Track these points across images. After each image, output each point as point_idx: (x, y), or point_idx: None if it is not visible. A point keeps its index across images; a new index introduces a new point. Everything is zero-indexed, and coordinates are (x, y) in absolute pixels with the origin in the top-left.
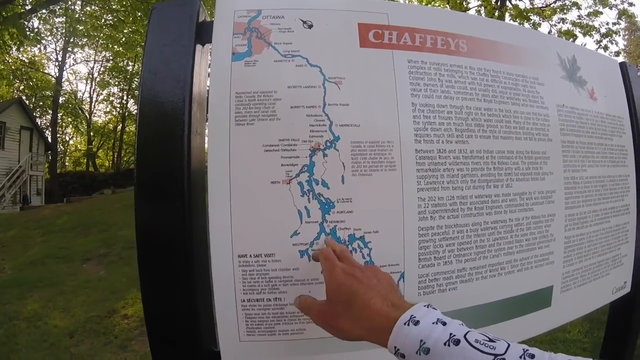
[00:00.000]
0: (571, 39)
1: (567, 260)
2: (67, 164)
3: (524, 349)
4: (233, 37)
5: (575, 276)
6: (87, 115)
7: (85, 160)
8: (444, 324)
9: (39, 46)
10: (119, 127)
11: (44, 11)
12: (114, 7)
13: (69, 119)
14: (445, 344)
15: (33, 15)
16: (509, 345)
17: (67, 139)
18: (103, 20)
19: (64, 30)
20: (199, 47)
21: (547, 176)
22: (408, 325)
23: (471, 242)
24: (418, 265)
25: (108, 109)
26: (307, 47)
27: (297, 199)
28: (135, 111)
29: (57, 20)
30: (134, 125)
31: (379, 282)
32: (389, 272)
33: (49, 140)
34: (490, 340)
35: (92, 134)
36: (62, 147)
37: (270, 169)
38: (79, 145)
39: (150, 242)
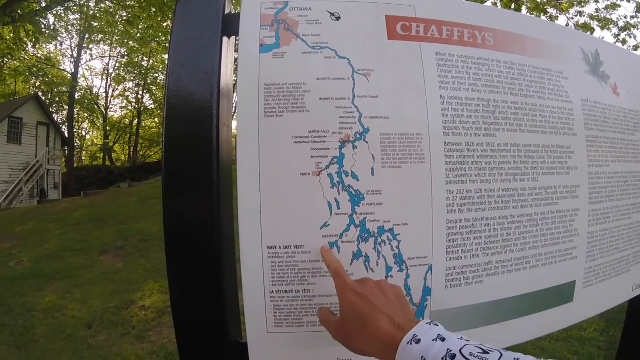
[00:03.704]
0: (589, 32)
1: (589, 255)
2: (83, 158)
3: (514, 358)
4: (260, 29)
5: (597, 272)
6: (103, 111)
7: (101, 154)
8: (443, 339)
9: (54, 43)
10: (135, 122)
11: (59, 8)
12: (128, 3)
13: (85, 114)
14: (442, 358)
15: (48, 12)
16: (501, 355)
17: (84, 133)
18: (118, 16)
19: (79, 27)
20: (225, 39)
21: (572, 171)
22: (411, 344)
23: (498, 235)
24: (446, 258)
25: (124, 104)
26: (336, 39)
27: (327, 191)
28: (151, 106)
29: (72, 17)
30: (151, 120)
31: (387, 300)
32: (418, 264)
33: (66, 135)
34: (485, 352)
35: (108, 128)
36: (78, 142)
37: (300, 161)
38: (95, 140)
39: (179, 233)
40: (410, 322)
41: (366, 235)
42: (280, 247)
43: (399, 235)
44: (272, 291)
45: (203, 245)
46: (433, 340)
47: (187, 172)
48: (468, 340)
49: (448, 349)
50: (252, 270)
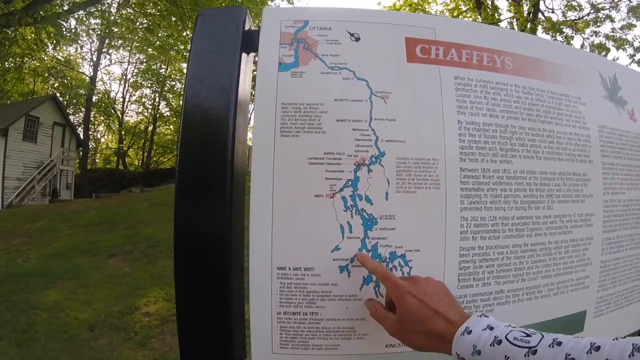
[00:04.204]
0: (604, 53)
1: (601, 284)
2: (97, 160)
3: (553, 338)
4: (280, 47)
5: (609, 301)
6: (119, 115)
7: (115, 158)
8: (492, 328)
9: (74, 46)
10: (150, 128)
11: (81, 12)
12: (149, 11)
13: (102, 118)
14: (491, 344)
15: (70, 15)
16: (542, 337)
17: (99, 136)
18: (138, 23)
19: (99, 32)
20: (244, 55)
21: (587, 198)
22: (463, 335)
23: (510, 264)
24: (457, 286)
25: (140, 110)
26: (354, 60)
27: (340, 214)
28: (167, 113)
29: (93, 21)
30: (166, 127)
31: (439, 298)
32: None
33: (81, 136)
34: (527, 336)
35: (123, 133)
36: (93, 144)
37: (314, 182)
38: (110, 144)
39: (189, 248)
40: (462, 318)
41: (377, 260)
42: (290, 269)
43: (411, 261)
44: (280, 312)
45: (213, 262)
46: (483, 329)
47: (201, 187)
48: (514, 327)
49: (495, 336)
50: (260, 290)
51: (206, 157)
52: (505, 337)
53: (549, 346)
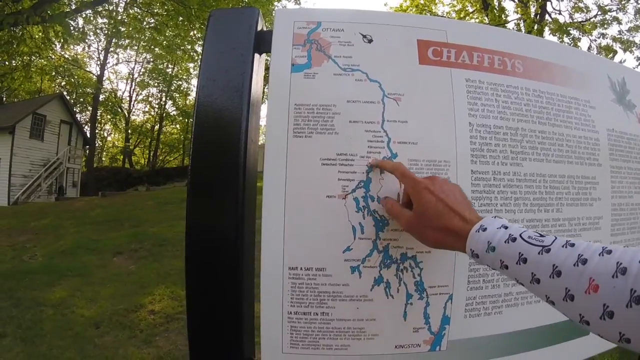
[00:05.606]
0: (611, 55)
1: None
2: (103, 159)
3: (566, 240)
4: (293, 48)
5: None
6: (126, 114)
7: (121, 156)
8: (506, 227)
9: (82, 45)
10: (157, 127)
11: (88, 11)
12: (156, 11)
13: (108, 116)
14: (505, 242)
15: (78, 14)
16: (555, 238)
17: (105, 135)
18: (145, 23)
19: (107, 31)
20: (256, 56)
21: (595, 202)
22: (478, 232)
23: None
24: (466, 288)
25: (147, 109)
26: (367, 61)
27: (352, 215)
28: (173, 112)
29: (100, 21)
30: (172, 126)
31: (456, 198)
32: (439, 293)
33: (88, 135)
34: (541, 236)
35: (129, 131)
36: (99, 142)
37: (326, 183)
38: (116, 142)
39: (201, 247)
40: (477, 218)
41: (388, 261)
42: (301, 269)
43: (422, 262)
44: (290, 312)
45: (224, 260)
46: (497, 228)
47: (214, 187)
48: (527, 228)
49: (510, 234)
50: (271, 290)
51: (219, 157)
52: (520, 236)
53: (562, 246)
